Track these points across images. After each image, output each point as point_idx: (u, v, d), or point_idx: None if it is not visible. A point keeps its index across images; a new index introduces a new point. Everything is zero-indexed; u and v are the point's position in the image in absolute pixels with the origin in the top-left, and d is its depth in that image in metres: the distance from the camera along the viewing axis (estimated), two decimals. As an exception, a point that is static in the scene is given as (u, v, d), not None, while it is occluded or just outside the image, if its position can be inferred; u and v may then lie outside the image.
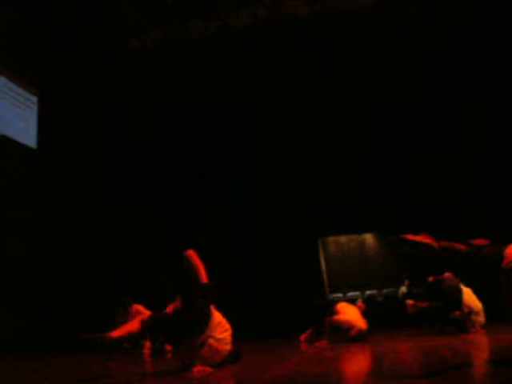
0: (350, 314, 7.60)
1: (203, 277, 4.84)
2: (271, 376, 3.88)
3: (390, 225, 11.26)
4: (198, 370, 4.32)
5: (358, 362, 4.77)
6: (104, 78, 13.73)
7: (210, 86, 13.08)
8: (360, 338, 7.12)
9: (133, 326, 4.64)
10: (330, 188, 12.83)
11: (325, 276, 14.37)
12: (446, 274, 7.64)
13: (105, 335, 4.44)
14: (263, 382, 3.56)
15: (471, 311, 7.35)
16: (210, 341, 4.67)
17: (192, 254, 4.98)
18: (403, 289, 12.57)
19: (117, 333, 4.56)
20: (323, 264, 14.43)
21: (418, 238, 3.67)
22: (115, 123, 13.79)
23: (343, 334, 7.27)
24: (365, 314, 7.81)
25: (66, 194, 12.33)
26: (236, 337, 4.86)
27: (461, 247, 3.67)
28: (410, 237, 3.67)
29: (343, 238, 15.12)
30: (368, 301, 12.47)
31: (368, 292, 13.93)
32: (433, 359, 4.20)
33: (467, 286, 7.60)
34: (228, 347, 4.80)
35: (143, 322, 4.58)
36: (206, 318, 4.74)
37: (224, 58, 13.22)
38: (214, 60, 13.22)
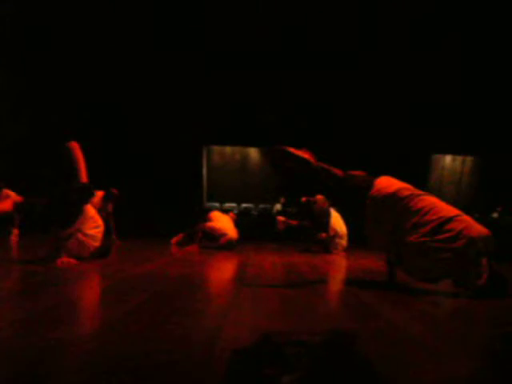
0: (222, 222, 7.85)
1: (82, 172, 4.76)
2: (133, 273, 3.92)
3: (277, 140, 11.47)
4: (62, 261, 4.30)
5: (222, 268, 4.94)
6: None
7: None
8: (229, 246, 7.39)
9: (5, 205, 4.55)
10: (221, 98, 12.74)
11: (205, 184, 14.52)
12: (319, 197, 8.01)
13: None
14: (123, 279, 3.58)
15: (336, 234, 7.82)
16: (79, 235, 4.66)
17: (75, 146, 4.84)
18: (278, 206, 13.09)
19: None
20: (205, 172, 14.54)
21: (297, 152, 3.74)
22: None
23: (214, 241, 7.50)
24: (237, 224, 8.07)
25: None
26: (117, 229, 4.82)
27: (337, 171, 3.81)
28: (290, 149, 3.74)
29: (228, 149, 15.22)
30: (243, 213, 12.87)
31: (244, 205, 14.31)
32: (293, 273, 4.45)
33: (337, 210, 8.04)
34: (96, 244, 4.82)
35: (16, 204, 4.48)
36: (78, 212, 4.69)
37: None
38: None
